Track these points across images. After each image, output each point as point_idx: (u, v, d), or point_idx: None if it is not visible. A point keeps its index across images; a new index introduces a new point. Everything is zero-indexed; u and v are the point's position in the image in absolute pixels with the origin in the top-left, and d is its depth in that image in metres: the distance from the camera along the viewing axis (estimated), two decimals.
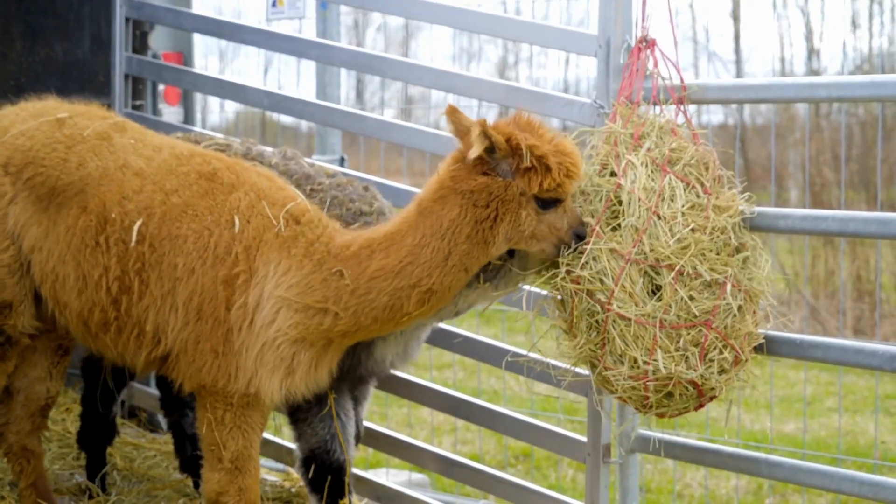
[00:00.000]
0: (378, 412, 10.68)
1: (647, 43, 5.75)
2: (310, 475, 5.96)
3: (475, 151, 5.04)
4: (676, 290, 5.13)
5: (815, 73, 17.85)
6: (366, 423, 7.13)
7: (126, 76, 8.19)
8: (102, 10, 8.33)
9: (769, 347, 5.48)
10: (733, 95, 6.04)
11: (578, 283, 5.19)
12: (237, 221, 5.35)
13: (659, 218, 5.22)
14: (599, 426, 5.98)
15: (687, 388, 5.15)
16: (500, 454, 10.27)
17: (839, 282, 14.65)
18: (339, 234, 5.37)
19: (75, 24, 8.58)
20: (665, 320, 5.11)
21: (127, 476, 7.31)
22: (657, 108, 5.71)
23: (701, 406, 5.29)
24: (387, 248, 5.20)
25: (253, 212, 5.37)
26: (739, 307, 5.19)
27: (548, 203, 5.14)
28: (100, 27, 8.51)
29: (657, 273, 5.18)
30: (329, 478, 5.92)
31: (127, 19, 8.16)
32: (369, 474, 7.50)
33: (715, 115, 15.67)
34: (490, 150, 5.05)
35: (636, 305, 5.12)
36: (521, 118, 5.22)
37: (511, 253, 5.31)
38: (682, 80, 5.67)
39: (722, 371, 5.16)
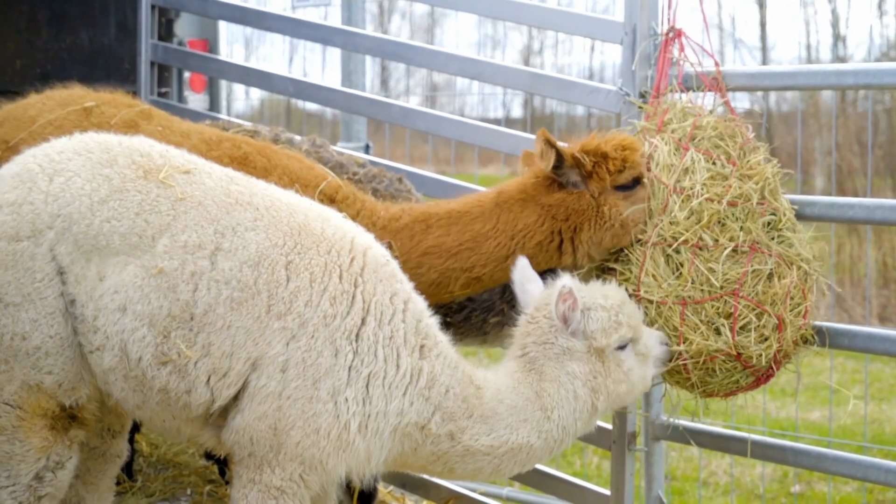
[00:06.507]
0: None
1: (675, 33, 5.73)
2: None
3: (547, 166, 5.08)
4: (695, 264, 5.11)
5: (842, 59, 17.74)
6: None
7: (152, 63, 8.20)
8: None
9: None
10: (760, 83, 6.01)
11: (612, 275, 5.21)
12: None
13: (677, 194, 5.21)
14: (625, 414, 5.96)
15: (726, 361, 5.13)
16: None
17: (865, 269, 14.58)
18: (382, 206, 5.35)
19: (101, 12, 8.59)
20: (687, 297, 5.10)
21: (153, 463, 7.34)
22: (685, 95, 5.70)
23: (758, 383, 5.25)
24: (447, 226, 5.19)
25: None
26: (771, 272, 5.17)
27: (628, 186, 5.17)
28: (125, 14, 8.52)
29: (678, 252, 5.17)
30: None
31: (153, 6, 8.18)
32: None
33: (740, 101, 15.55)
34: (558, 163, 5.08)
35: (660, 287, 5.12)
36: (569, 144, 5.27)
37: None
38: (716, 63, 5.64)
39: (764, 339, 5.12)
